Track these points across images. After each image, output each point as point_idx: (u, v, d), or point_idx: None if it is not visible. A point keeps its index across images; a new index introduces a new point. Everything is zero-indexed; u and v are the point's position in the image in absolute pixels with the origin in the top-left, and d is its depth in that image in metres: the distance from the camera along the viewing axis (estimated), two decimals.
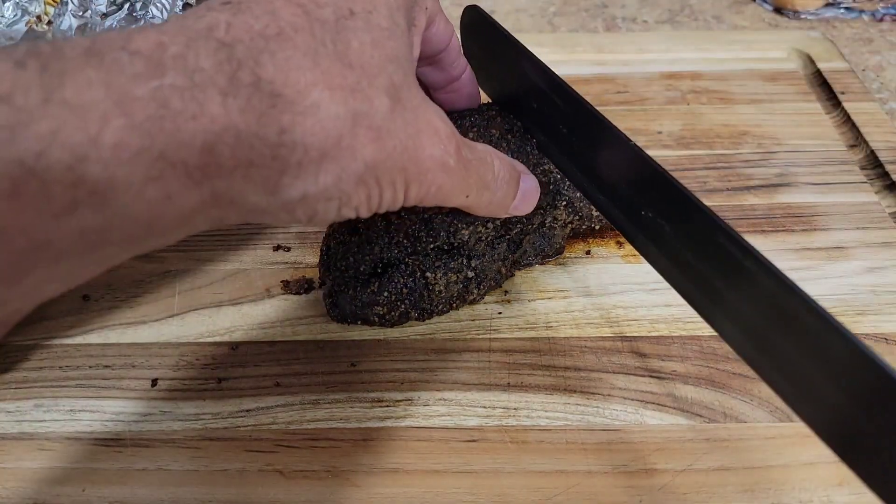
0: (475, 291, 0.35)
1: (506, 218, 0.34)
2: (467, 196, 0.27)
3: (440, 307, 0.35)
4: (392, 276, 0.33)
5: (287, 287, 0.37)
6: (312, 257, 0.39)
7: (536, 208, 0.33)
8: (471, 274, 0.34)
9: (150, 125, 0.17)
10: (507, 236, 0.35)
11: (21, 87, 0.16)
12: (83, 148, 0.16)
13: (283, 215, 0.21)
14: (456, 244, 0.33)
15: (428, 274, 0.33)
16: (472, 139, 0.33)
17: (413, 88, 0.24)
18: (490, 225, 0.34)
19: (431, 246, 0.33)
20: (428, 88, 0.34)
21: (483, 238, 0.34)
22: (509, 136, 0.34)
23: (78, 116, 0.16)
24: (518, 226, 0.35)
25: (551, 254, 0.38)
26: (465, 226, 0.33)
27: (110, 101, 0.17)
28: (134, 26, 0.19)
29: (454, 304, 0.35)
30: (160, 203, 0.18)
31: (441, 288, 0.34)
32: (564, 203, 0.35)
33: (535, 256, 0.38)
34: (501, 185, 0.29)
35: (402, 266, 0.33)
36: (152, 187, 0.18)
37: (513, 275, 0.37)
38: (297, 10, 0.21)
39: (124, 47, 0.17)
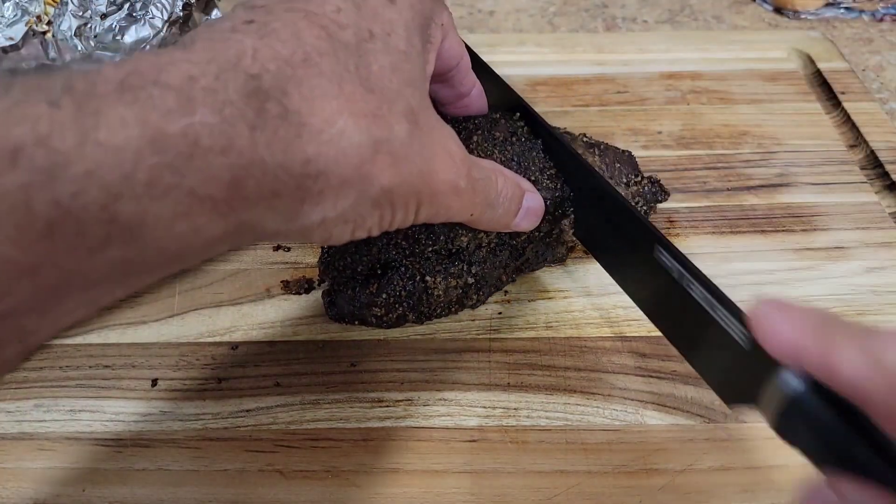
0: (474, 297, 0.35)
1: None
2: (472, 214, 0.28)
3: (438, 311, 0.35)
4: (391, 279, 0.33)
5: (287, 287, 0.37)
6: (312, 257, 0.39)
7: (544, 216, 0.33)
8: (471, 280, 0.34)
9: (181, 163, 0.17)
10: (512, 242, 0.35)
11: (57, 129, 0.16)
12: (117, 186, 0.16)
13: (299, 238, 0.22)
14: (455, 250, 0.33)
15: (427, 278, 0.33)
16: (477, 142, 0.33)
17: (429, 110, 0.24)
18: (492, 232, 0.34)
19: (430, 249, 0.33)
20: (437, 104, 0.34)
21: (484, 244, 0.34)
22: (513, 139, 0.34)
23: (112, 156, 0.16)
24: (524, 234, 0.34)
25: (553, 261, 0.38)
26: (465, 231, 0.33)
27: (144, 139, 0.17)
28: (162, 50, 0.19)
29: (453, 309, 0.35)
30: (188, 235, 0.18)
31: (440, 292, 0.34)
32: (573, 210, 0.34)
33: (537, 264, 0.38)
34: (504, 202, 0.29)
35: (402, 269, 0.33)
36: (181, 221, 0.18)
37: (514, 280, 0.37)
38: (320, 32, 0.21)
39: (156, 81, 0.18)
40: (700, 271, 0.25)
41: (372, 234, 0.24)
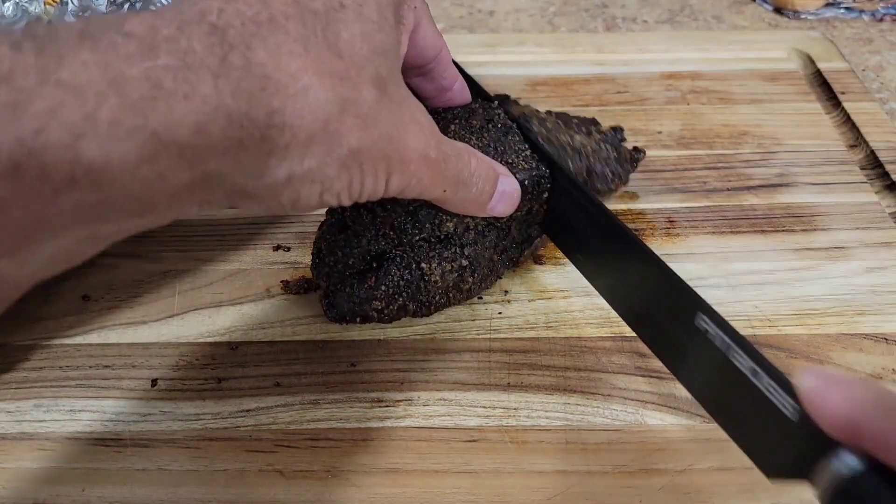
0: (470, 280, 0.35)
1: None
2: (444, 191, 0.28)
3: (437, 298, 0.35)
4: (388, 269, 0.34)
5: (287, 287, 0.37)
6: None
7: (523, 195, 0.33)
8: (465, 262, 0.34)
9: (144, 104, 0.17)
10: (497, 224, 0.35)
11: (19, 69, 0.16)
12: (80, 126, 0.17)
13: (268, 198, 0.22)
14: (442, 236, 0.34)
15: (423, 265, 0.34)
16: (455, 130, 0.34)
17: (399, 82, 0.24)
18: (477, 216, 0.34)
19: (417, 238, 0.33)
20: (420, 99, 0.34)
21: (471, 227, 0.34)
22: (490, 126, 0.35)
23: (74, 96, 0.16)
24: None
25: (537, 236, 0.38)
26: (449, 217, 0.33)
27: (105, 81, 0.17)
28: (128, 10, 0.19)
29: (451, 295, 0.35)
30: (153, 181, 0.18)
31: (437, 278, 0.34)
32: (549, 186, 0.35)
33: (524, 244, 0.38)
34: (478, 181, 0.29)
35: (398, 259, 0.34)
36: (146, 166, 0.18)
37: (507, 265, 0.37)
38: None
39: (118, 29, 0.18)
40: (745, 339, 0.24)
41: (342, 202, 0.24)
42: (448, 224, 0.33)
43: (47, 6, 0.38)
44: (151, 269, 0.38)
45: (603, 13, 0.66)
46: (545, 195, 0.35)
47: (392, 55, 0.24)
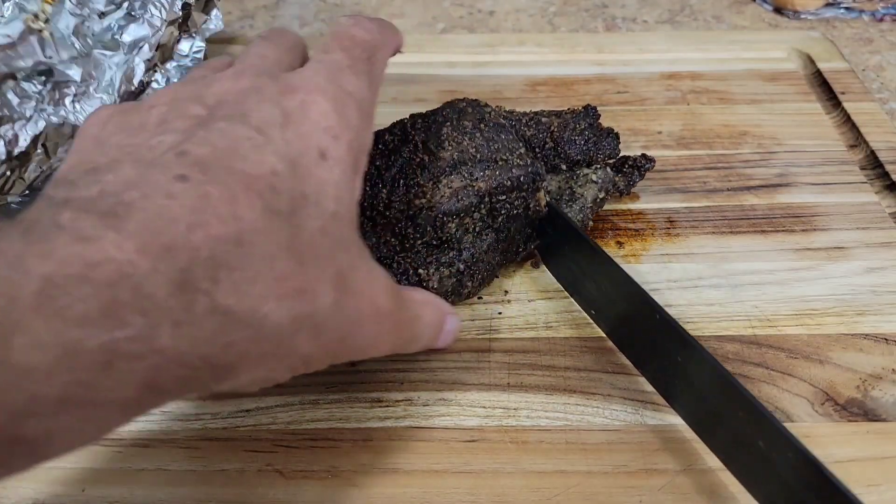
0: (469, 285, 0.35)
1: (490, 207, 0.34)
2: (392, 350, 0.27)
3: None
4: None
5: None
6: None
7: (519, 193, 0.33)
8: (462, 266, 0.34)
9: (96, 375, 0.16)
10: (493, 226, 0.35)
11: None
12: (23, 407, 0.16)
13: (208, 393, 0.21)
14: (444, 238, 0.34)
15: (420, 271, 0.33)
16: (447, 133, 0.34)
17: (358, 267, 0.24)
18: (476, 215, 0.34)
19: (420, 242, 0.33)
20: None
21: (470, 229, 0.34)
22: (482, 126, 0.35)
23: (22, 377, 0.15)
24: (503, 212, 0.35)
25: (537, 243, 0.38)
26: (450, 219, 0.33)
27: (58, 357, 0.16)
28: (94, 222, 0.18)
29: (450, 301, 0.35)
30: (93, 434, 0.18)
31: (434, 284, 0.34)
32: (545, 185, 0.35)
33: (520, 243, 0.37)
34: (428, 333, 0.29)
35: (395, 265, 0.33)
36: (89, 426, 0.17)
37: (504, 264, 0.37)
38: (256, 202, 0.20)
39: (83, 278, 0.16)
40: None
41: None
42: (450, 225, 0.33)
43: (45, 4, 0.38)
44: None
45: (603, 13, 0.66)
46: (540, 192, 0.35)
47: (350, 240, 0.23)
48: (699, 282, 0.37)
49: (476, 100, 0.37)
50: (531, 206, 0.35)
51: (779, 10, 0.65)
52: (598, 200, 0.39)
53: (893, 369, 0.33)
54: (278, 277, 0.20)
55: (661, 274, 0.38)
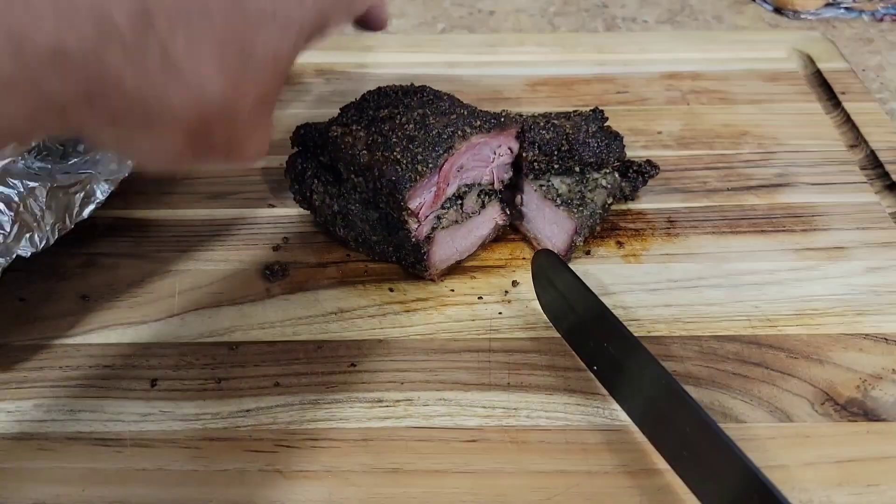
0: (342, 231, 0.38)
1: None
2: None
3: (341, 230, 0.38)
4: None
5: (269, 276, 0.38)
6: (312, 257, 0.39)
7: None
8: (336, 208, 0.38)
9: (39, 73, 0.17)
10: (392, 216, 0.36)
11: None
12: None
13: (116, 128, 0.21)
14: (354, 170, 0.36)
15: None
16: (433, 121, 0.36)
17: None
18: (370, 186, 0.36)
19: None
20: None
21: (370, 201, 0.37)
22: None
23: None
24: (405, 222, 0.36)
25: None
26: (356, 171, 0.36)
27: (2, 43, 0.17)
28: None
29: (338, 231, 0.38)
30: (28, 130, 0.19)
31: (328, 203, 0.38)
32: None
33: (406, 254, 0.38)
34: None
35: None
36: (21, 121, 0.18)
37: (390, 254, 0.38)
38: None
39: None
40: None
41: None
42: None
43: None
44: (151, 269, 0.38)
45: (603, 13, 0.66)
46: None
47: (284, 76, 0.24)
48: (699, 282, 0.37)
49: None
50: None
51: (779, 11, 0.65)
52: (607, 206, 0.39)
53: (893, 369, 0.33)
54: (225, 67, 0.20)
55: (661, 274, 0.38)
